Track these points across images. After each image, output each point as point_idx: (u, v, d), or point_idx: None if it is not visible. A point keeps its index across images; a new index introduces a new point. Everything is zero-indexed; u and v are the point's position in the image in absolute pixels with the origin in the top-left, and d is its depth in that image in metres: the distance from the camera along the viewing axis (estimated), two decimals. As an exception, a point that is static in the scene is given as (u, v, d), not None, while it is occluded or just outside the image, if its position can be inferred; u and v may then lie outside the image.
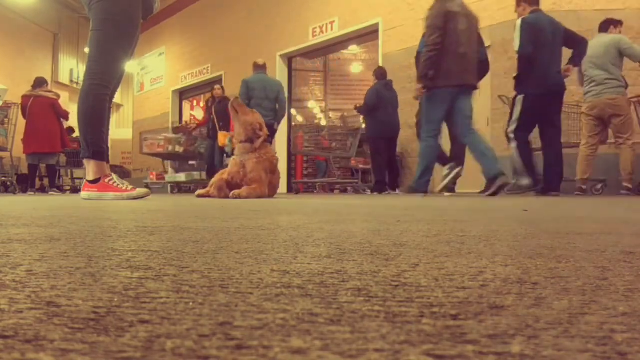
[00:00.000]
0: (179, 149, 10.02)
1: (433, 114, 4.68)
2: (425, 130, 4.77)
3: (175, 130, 11.18)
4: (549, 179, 4.81)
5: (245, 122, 4.04)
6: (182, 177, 10.21)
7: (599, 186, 5.75)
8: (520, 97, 4.91)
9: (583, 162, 5.41)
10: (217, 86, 9.15)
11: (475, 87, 4.81)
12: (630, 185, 5.26)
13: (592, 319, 0.31)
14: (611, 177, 5.77)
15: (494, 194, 4.53)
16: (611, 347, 0.25)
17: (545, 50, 4.74)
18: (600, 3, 6.76)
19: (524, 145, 4.91)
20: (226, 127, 8.30)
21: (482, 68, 5.09)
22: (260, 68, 7.22)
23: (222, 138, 8.16)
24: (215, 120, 8.70)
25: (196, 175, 10.07)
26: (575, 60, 5.02)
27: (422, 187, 4.76)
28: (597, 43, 5.42)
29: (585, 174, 5.39)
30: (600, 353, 0.25)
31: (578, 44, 5.00)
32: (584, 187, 5.40)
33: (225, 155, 8.83)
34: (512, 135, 4.95)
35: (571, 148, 6.19)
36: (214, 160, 8.87)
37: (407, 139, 8.54)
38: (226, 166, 4.45)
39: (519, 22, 4.95)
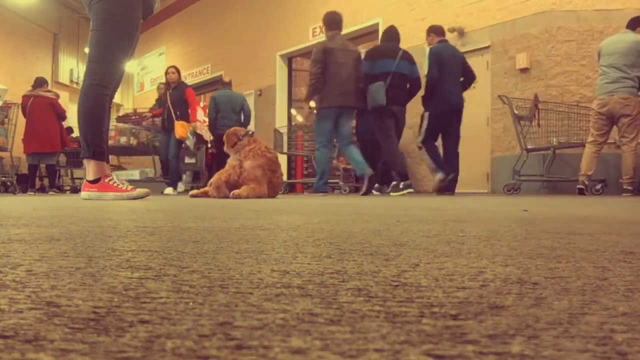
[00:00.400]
0: (133, 141, 8.11)
1: (322, 128, 5.66)
2: (317, 142, 5.75)
3: (120, 119, 8.92)
4: (451, 180, 5.73)
5: (230, 140, 4.27)
6: (135, 174, 8.71)
7: (599, 186, 5.76)
8: (426, 114, 5.85)
9: (588, 158, 5.36)
10: (171, 69, 7.71)
11: (353, 108, 5.75)
12: (630, 187, 5.25)
13: (592, 319, 0.31)
14: (611, 177, 5.77)
15: (365, 193, 5.53)
16: (611, 347, 0.25)
17: (446, 75, 5.69)
18: (600, 3, 6.77)
19: (433, 150, 5.84)
20: (184, 116, 7.44)
21: (414, 85, 6.05)
22: (226, 85, 8.11)
23: (180, 129, 7.34)
24: (171, 109, 7.47)
25: (149, 172, 8.62)
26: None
27: (322, 188, 5.67)
28: (619, 40, 5.32)
29: (589, 170, 5.35)
30: (600, 353, 0.25)
31: (468, 76, 5.94)
32: (586, 182, 5.38)
33: (184, 148, 7.82)
34: (421, 145, 5.88)
35: (571, 148, 6.19)
36: (168, 155, 7.69)
37: (407, 139, 8.54)
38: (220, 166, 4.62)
39: (427, 50, 5.97)
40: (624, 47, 5.26)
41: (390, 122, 5.80)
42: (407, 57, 5.99)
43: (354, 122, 6.19)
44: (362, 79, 5.71)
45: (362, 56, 5.91)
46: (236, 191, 3.80)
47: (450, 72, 5.71)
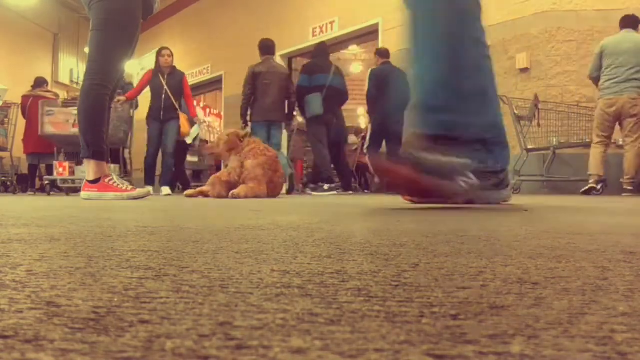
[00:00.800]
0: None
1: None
2: None
3: (70, 102, 6.60)
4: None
5: (223, 147, 4.26)
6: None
7: (599, 186, 5.76)
8: (369, 126, 7.02)
9: (597, 160, 5.31)
10: (166, 51, 6.69)
11: (280, 121, 6.70)
12: (631, 187, 5.24)
13: (592, 319, 0.31)
14: (611, 177, 5.77)
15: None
16: (611, 347, 0.25)
17: (388, 91, 6.59)
18: (600, 3, 6.76)
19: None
20: (183, 108, 6.67)
21: (341, 97, 6.88)
22: None
23: (187, 124, 6.56)
24: (172, 98, 6.50)
25: (113, 169, 6.85)
26: None
27: None
28: (624, 39, 5.28)
29: (600, 171, 5.31)
30: (600, 353, 0.25)
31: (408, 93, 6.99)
32: (597, 186, 5.36)
33: (190, 146, 7.16)
34: (366, 151, 6.97)
35: (571, 148, 6.19)
36: (157, 151, 6.68)
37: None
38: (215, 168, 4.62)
39: (369, 71, 7.02)
40: (633, 47, 5.23)
41: (323, 129, 6.64)
42: (339, 72, 6.91)
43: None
44: (293, 95, 6.71)
45: (300, 71, 6.98)
46: (235, 191, 3.80)
47: (390, 89, 6.66)
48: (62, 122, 6.27)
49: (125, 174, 7.38)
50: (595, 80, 5.54)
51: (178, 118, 6.61)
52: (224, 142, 4.29)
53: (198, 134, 7.05)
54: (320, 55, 6.88)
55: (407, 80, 7.37)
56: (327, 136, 6.71)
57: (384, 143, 6.99)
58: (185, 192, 4.53)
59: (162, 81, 6.57)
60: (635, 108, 5.20)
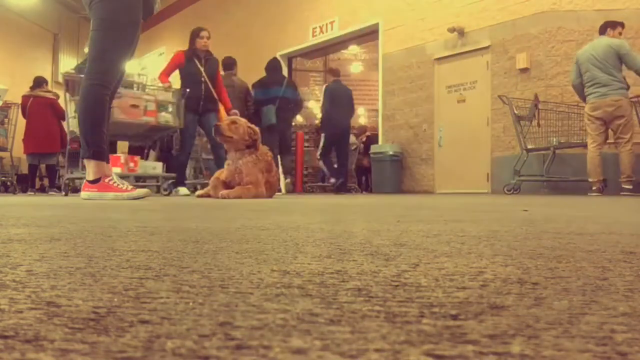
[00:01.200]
0: (167, 117, 5.38)
1: None
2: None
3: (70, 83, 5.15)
4: (340, 184, 7.73)
5: (241, 135, 3.97)
6: (158, 166, 5.86)
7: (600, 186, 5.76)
8: (322, 135, 7.86)
9: (594, 163, 5.39)
10: (205, 33, 5.64)
11: None
12: (630, 187, 5.26)
13: (592, 319, 0.31)
14: (611, 177, 5.77)
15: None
16: (611, 347, 0.25)
17: (338, 107, 7.58)
18: (600, 3, 6.76)
19: (328, 162, 7.92)
20: (220, 98, 5.86)
21: (297, 105, 7.54)
22: None
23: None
24: (212, 88, 5.66)
25: (157, 166, 5.86)
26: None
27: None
28: (592, 47, 5.45)
29: (600, 175, 5.39)
30: (600, 353, 0.25)
31: (352, 107, 8.02)
32: (601, 187, 5.41)
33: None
34: (319, 157, 7.93)
35: (571, 148, 6.18)
36: (192, 148, 5.91)
37: (408, 139, 8.53)
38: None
39: (323, 87, 8.05)
40: (601, 51, 5.34)
41: (276, 137, 7.01)
42: (292, 84, 7.40)
43: None
44: (251, 106, 7.10)
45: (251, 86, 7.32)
46: (224, 192, 3.73)
47: (340, 104, 7.60)
48: (137, 109, 5.19)
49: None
50: (577, 87, 5.63)
51: (217, 110, 5.69)
52: (248, 134, 3.95)
53: None
54: (272, 70, 7.30)
55: (350, 97, 7.82)
56: (278, 144, 7.13)
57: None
58: (197, 193, 4.46)
59: (200, 67, 5.64)
60: (620, 109, 5.26)
